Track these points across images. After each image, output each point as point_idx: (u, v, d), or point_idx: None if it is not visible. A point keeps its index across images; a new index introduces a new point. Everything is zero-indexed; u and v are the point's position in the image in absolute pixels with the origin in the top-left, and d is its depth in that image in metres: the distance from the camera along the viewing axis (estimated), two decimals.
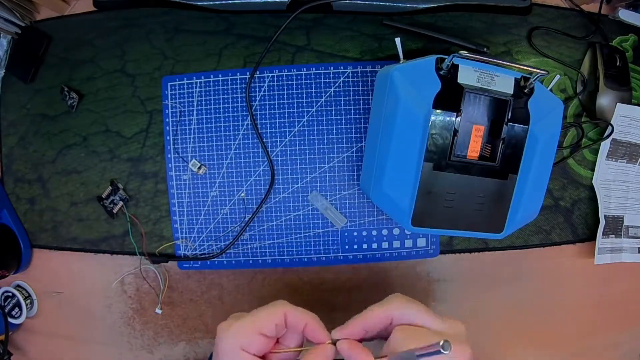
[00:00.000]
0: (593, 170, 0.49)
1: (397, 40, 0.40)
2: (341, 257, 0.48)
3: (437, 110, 0.36)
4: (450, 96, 0.36)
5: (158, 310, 0.49)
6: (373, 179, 0.39)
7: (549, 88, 0.41)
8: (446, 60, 0.36)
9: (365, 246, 0.48)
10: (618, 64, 0.47)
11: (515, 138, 0.38)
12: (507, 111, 0.37)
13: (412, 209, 0.38)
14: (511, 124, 0.37)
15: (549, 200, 0.49)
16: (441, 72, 0.36)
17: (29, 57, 0.49)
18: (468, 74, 0.37)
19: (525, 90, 0.38)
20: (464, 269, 0.49)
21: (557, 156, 0.48)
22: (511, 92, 0.38)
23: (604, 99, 0.47)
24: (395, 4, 0.46)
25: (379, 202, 0.39)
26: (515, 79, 0.38)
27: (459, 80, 0.37)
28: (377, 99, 0.40)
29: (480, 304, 0.50)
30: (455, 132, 0.37)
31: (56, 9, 0.50)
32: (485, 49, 0.45)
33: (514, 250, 0.49)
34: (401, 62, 0.39)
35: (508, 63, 0.36)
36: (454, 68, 0.37)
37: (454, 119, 0.37)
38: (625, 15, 0.48)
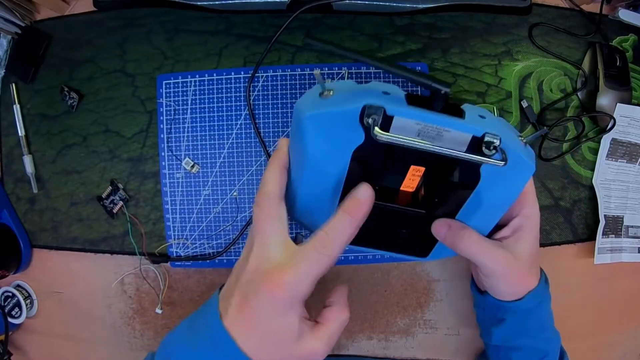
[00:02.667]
0: (593, 170, 0.49)
1: (316, 71, 0.29)
2: (342, 258, 0.48)
3: (357, 165, 0.29)
4: (376, 150, 0.28)
5: (158, 310, 0.49)
6: (289, 201, 0.33)
7: (525, 141, 0.31)
8: (372, 119, 0.27)
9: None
10: (618, 64, 0.47)
11: (453, 199, 0.32)
12: (450, 172, 0.30)
13: None
14: (453, 183, 0.30)
15: (549, 200, 0.49)
16: (366, 124, 0.27)
17: (29, 57, 0.49)
18: (405, 126, 0.27)
19: (487, 154, 0.28)
20: (464, 269, 0.49)
21: (556, 151, 0.48)
22: (464, 150, 0.27)
23: (604, 99, 0.47)
24: (395, 4, 0.46)
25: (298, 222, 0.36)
26: (474, 137, 0.27)
27: (391, 132, 0.27)
28: (293, 130, 0.32)
29: None
30: (376, 188, 0.30)
31: (56, 9, 0.50)
32: (443, 91, 0.28)
33: None
34: (324, 94, 0.29)
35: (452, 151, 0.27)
36: (387, 119, 0.27)
37: (377, 173, 0.31)
38: (625, 15, 0.48)
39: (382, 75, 0.47)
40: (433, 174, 0.31)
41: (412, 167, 0.30)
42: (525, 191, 0.34)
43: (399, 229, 0.35)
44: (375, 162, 0.30)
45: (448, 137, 0.27)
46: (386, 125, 0.27)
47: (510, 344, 0.39)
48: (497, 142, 0.27)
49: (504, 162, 0.27)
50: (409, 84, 0.47)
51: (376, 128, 0.26)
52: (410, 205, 0.33)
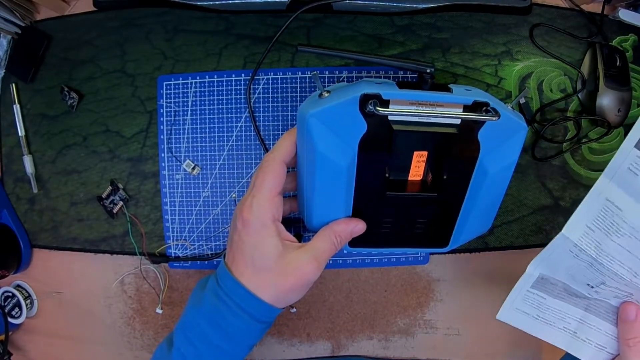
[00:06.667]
0: (593, 170, 0.49)
1: (315, 74, 0.32)
2: (340, 261, 0.48)
3: (365, 154, 0.31)
4: (380, 136, 0.30)
5: (159, 310, 0.49)
6: (305, 212, 0.36)
7: (511, 105, 0.34)
8: (369, 106, 0.29)
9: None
10: (618, 64, 0.47)
11: (459, 173, 0.33)
12: (451, 147, 0.32)
13: None
14: (456, 157, 0.32)
15: (549, 200, 0.49)
16: (367, 111, 0.30)
17: (29, 57, 0.49)
18: (402, 108, 0.30)
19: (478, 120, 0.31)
20: (464, 269, 0.49)
21: (554, 151, 0.48)
22: (458, 122, 0.31)
23: (604, 99, 0.47)
24: (395, 4, 0.46)
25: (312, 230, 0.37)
26: (465, 105, 0.31)
27: (390, 117, 0.30)
28: (299, 137, 0.34)
29: (480, 304, 0.50)
30: (387, 176, 0.33)
31: (56, 9, 0.50)
32: (428, 70, 0.33)
33: (514, 250, 0.49)
34: (324, 95, 0.31)
35: (443, 109, 0.30)
36: (384, 104, 0.29)
37: (385, 160, 0.32)
38: (625, 15, 0.48)
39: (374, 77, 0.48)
40: (436, 157, 0.33)
41: (416, 152, 0.32)
42: None
43: (415, 220, 0.36)
44: (381, 152, 0.32)
45: (442, 110, 0.30)
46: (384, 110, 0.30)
47: None
48: (487, 104, 0.30)
49: (497, 117, 0.29)
50: (400, 77, 0.47)
51: (377, 107, 0.29)
52: (421, 192, 0.34)
